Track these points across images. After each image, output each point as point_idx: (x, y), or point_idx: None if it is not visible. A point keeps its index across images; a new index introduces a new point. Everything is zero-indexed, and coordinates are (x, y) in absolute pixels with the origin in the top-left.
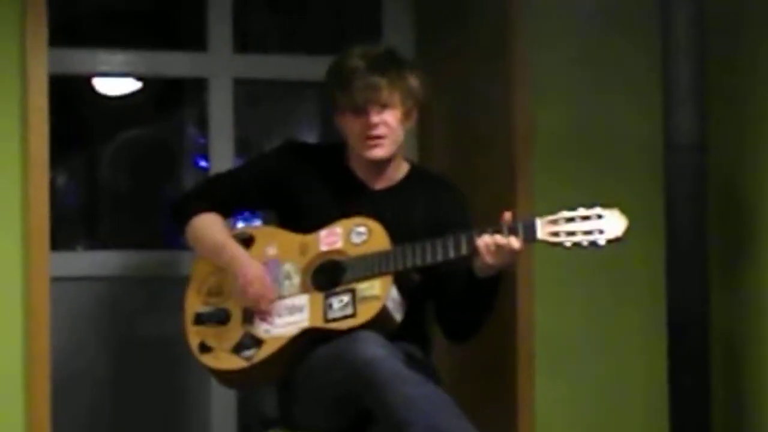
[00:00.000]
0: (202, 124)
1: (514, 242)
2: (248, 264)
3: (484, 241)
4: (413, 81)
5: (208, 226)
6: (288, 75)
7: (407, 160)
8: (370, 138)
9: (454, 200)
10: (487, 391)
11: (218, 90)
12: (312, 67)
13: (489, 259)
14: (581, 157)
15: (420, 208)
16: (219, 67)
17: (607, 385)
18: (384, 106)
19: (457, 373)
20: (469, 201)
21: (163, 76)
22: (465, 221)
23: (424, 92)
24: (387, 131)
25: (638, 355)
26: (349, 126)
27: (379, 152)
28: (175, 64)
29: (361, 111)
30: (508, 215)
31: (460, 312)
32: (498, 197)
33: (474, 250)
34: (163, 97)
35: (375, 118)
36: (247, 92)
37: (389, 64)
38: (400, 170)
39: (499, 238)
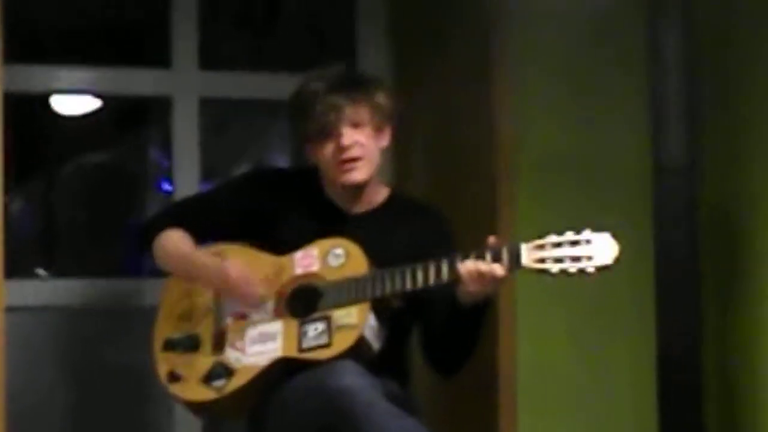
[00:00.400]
0: (166, 145)
1: (498, 269)
2: (224, 266)
3: (466, 267)
4: (380, 97)
5: (176, 240)
6: (258, 94)
7: (387, 184)
8: (344, 162)
9: (440, 230)
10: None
11: (183, 109)
12: (283, 86)
13: (471, 286)
14: (567, 180)
15: (402, 236)
16: (184, 85)
17: (594, 422)
18: (353, 126)
19: (436, 411)
20: (453, 230)
21: (124, 95)
22: (449, 252)
23: (393, 108)
24: (361, 152)
25: (627, 389)
26: (320, 153)
27: (356, 176)
28: (138, 81)
29: (330, 134)
30: (493, 240)
31: (445, 342)
32: (479, 222)
33: (456, 277)
34: (125, 117)
35: (346, 140)
36: (214, 112)
37: (350, 83)
38: (378, 194)
39: (482, 265)
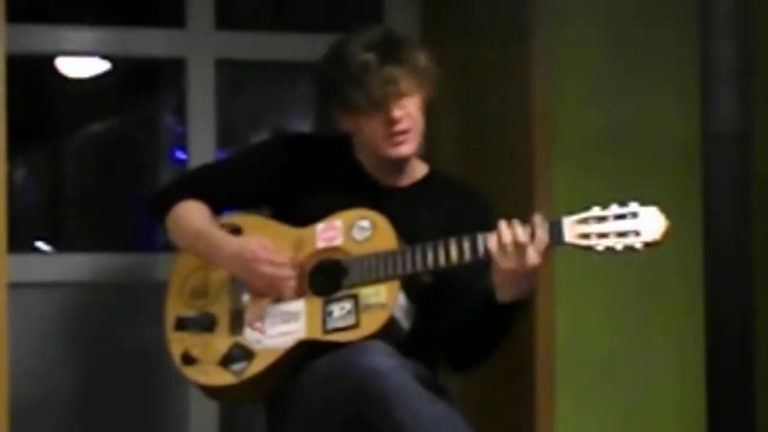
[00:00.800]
0: (180, 110)
1: (541, 234)
2: (239, 243)
3: (503, 238)
4: (424, 61)
5: (191, 213)
6: (278, 55)
7: (426, 162)
8: (394, 135)
9: (479, 212)
10: (503, 420)
11: (198, 72)
12: (304, 47)
13: (505, 262)
14: (607, 152)
15: (438, 213)
16: (199, 45)
17: (637, 413)
18: (403, 97)
19: (468, 399)
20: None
21: (135, 56)
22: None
23: (435, 71)
24: (411, 124)
25: (671, 375)
26: (365, 125)
27: (405, 149)
28: (150, 42)
29: (381, 107)
30: (536, 216)
31: (470, 337)
32: (513, 198)
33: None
34: (136, 80)
35: (398, 112)
36: (231, 75)
37: (399, 50)
38: (417, 169)
39: (520, 235)
